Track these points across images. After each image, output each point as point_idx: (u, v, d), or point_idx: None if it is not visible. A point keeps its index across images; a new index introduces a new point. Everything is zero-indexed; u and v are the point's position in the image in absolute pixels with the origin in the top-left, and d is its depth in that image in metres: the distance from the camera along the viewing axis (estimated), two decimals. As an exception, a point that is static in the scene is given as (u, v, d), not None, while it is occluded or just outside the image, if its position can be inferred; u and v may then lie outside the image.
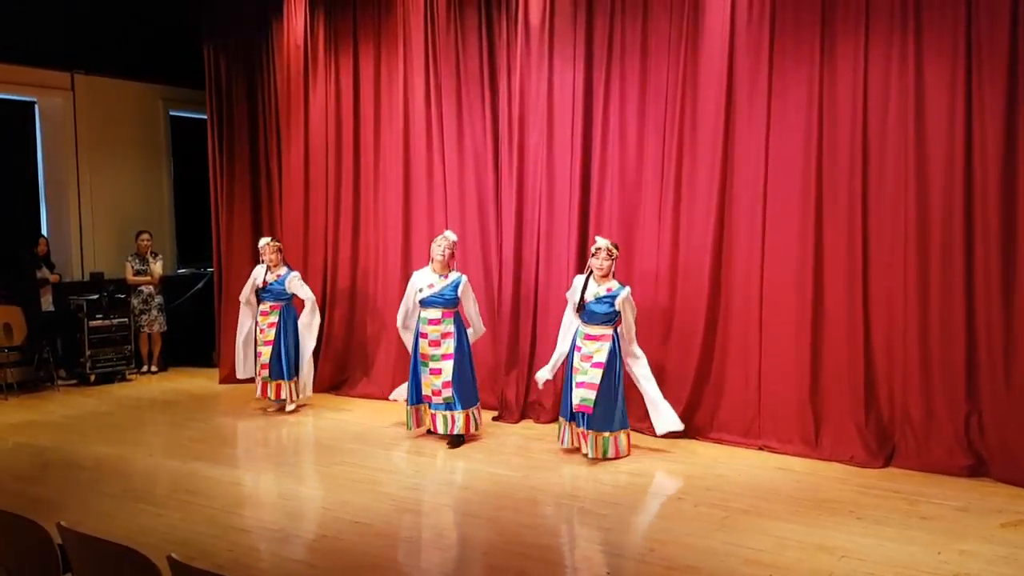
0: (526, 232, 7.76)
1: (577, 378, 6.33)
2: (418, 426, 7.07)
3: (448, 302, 6.90)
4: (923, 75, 6.05)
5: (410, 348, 7.13)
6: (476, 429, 7.00)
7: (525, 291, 7.76)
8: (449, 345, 6.87)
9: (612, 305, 6.27)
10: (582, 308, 6.29)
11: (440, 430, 6.90)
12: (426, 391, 6.92)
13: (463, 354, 6.94)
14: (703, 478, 5.90)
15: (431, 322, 6.89)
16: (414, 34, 8.42)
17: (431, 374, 6.88)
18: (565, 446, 6.50)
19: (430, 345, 6.89)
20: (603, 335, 6.30)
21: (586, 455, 6.28)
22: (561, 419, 6.58)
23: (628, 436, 6.40)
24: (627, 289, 6.34)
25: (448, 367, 6.85)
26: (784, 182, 6.57)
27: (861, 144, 6.27)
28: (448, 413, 6.86)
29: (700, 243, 6.90)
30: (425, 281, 6.94)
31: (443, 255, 6.90)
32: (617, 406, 6.28)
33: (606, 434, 6.25)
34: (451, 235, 7.09)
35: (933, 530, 4.89)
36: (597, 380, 6.22)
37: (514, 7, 7.73)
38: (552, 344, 7.59)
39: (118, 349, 9.91)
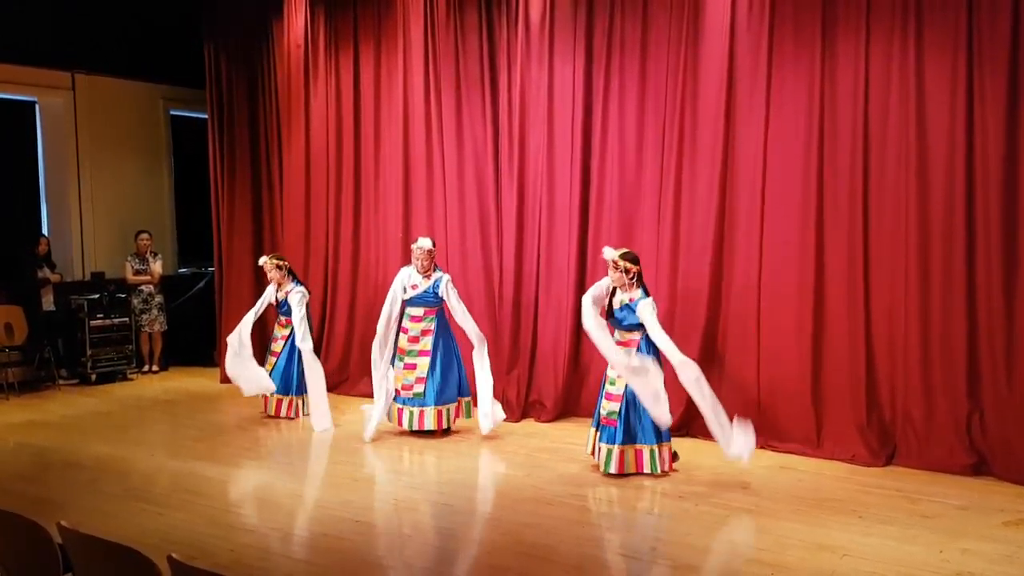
0: (527, 231, 7.76)
1: (607, 388, 6.00)
2: (400, 424, 7.12)
3: (430, 302, 7.03)
4: (924, 74, 6.04)
5: (378, 376, 6.96)
6: (449, 425, 7.03)
7: (526, 290, 7.76)
8: (427, 342, 7.00)
9: (635, 313, 5.90)
10: (610, 315, 5.99)
11: (405, 426, 6.99)
12: (396, 384, 6.98)
13: (445, 351, 7.00)
14: (704, 477, 5.88)
15: (413, 319, 7.04)
16: (414, 33, 8.42)
17: (405, 368, 6.97)
18: (595, 459, 6.01)
19: (409, 341, 7.02)
20: (630, 340, 5.93)
21: (600, 469, 5.90)
22: (591, 428, 6.12)
23: (659, 451, 5.85)
24: (645, 300, 5.82)
25: (423, 363, 6.95)
26: (784, 182, 6.56)
27: (862, 143, 6.26)
28: (415, 409, 6.94)
29: (700, 241, 6.90)
30: (410, 282, 7.06)
31: (422, 267, 7.02)
32: (645, 418, 5.81)
33: (635, 447, 5.84)
34: (424, 243, 7.09)
35: (935, 529, 4.88)
36: (622, 391, 5.86)
37: (514, 6, 7.72)
38: (553, 343, 7.62)
39: (119, 349, 9.91)
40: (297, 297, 7.73)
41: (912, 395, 6.13)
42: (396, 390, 6.99)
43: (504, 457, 6.52)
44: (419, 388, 6.94)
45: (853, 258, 6.32)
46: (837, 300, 6.40)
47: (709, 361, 6.88)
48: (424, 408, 6.95)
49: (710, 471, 6.02)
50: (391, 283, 8.24)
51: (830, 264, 6.42)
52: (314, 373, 7.47)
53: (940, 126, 5.99)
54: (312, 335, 7.97)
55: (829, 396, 6.43)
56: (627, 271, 5.87)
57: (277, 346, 8.02)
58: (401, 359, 7.02)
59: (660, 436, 5.87)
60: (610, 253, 5.96)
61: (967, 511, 5.18)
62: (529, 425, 7.49)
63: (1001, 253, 5.82)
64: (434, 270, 7.10)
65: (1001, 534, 4.82)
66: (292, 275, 7.93)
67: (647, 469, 5.86)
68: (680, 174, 6.98)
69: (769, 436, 6.56)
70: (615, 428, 5.85)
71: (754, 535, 4.80)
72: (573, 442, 6.80)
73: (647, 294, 5.92)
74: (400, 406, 7.03)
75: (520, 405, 7.67)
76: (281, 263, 7.93)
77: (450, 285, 7.05)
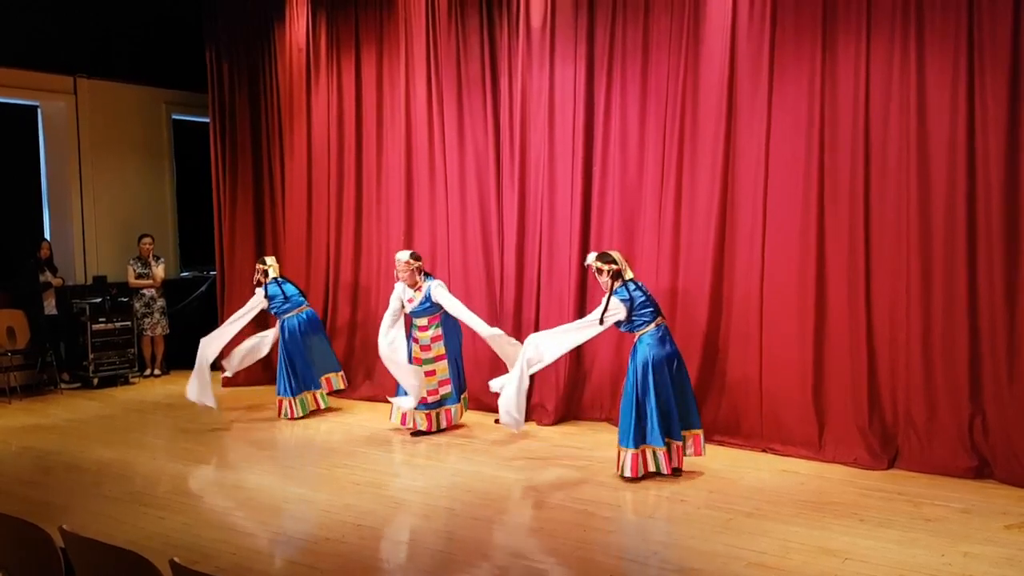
0: (528, 233, 7.77)
1: None
2: (404, 424, 7.30)
3: (430, 310, 7.19)
4: (925, 75, 6.03)
5: (393, 365, 7.09)
6: (465, 409, 7.45)
7: (528, 292, 7.77)
8: (440, 347, 7.22)
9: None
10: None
11: (432, 427, 7.19)
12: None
13: (453, 351, 7.29)
14: (706, 481, 5.88)
15: (420, 328, 7.23)
16: (416, 36, 8.43)
17: (425, 376, 7.08)
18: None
19: (422, 350, 7.17)
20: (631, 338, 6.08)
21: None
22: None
23: (640, 455, 5.78)
24: (613, 297, 5.90)
25: (442, 367, 7.19)
26: (785, 184, 6.55)
27: (863, 145, 6.25)
28: (442, 409, 7.21)
29: (701, 244, 6.89)
30: (406, 296, 7.24)
31: (408, 280, 7.17)
32: (630, 421, 5.80)
33: (622, 449, 5.87)
34: (400, 256, 7.25)
35: (937, 532, 4.87)
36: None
37: (515, 9, 7.74)
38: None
39: (121, 352, 9.93)
40: (255, 295, 8.08)
41: (914, 398, 6.12)
42: (422, 399, 7.12)
43: (506, 460, 6.52)
44: (445, 390, 7.20)
45: (854, 261, 6.31)
46: (838, 303, 6.39)
47: (711, 364, 6.89)
48: (451, 407, 7.26)
49: (711, 474, 6.01)
50: (392, 286, 8.31)
51: (831, 267, 6.42)
52: (201, 352, 7.76)
53: (941, 127, 5.98)
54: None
55: (831, 399, 6.43)
56: (599, 272, 5.99)
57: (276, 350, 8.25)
58: (419, 368, 7.13)
59: (632, 440, 5.81)
60: (589, 259, 6.09)
61: (969, 514, 5.17)
62: (531, 428, 7.48)
63: (1003, 255, 5.81)
64: (424, 278, 7.17)
65: (1003, 537, 4.81)
66: (267, 276, 8.14)
67: (625, 471, 5.84)
68: (681, 177, 6.98)
69: (771, 439, 6.57)
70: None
71: (756, 539, 4.79)
72: (575, 445, 6.81)
73: (623, 292, 5.90)
74: (426, 412, 7.16)
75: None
76: (258, 266, 8.25)
77: (441, 290, 7.12)
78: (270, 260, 8.29)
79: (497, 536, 5.08)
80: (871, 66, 6.21)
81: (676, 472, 5.93)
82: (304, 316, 8.17)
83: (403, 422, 7.27)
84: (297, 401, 7.98)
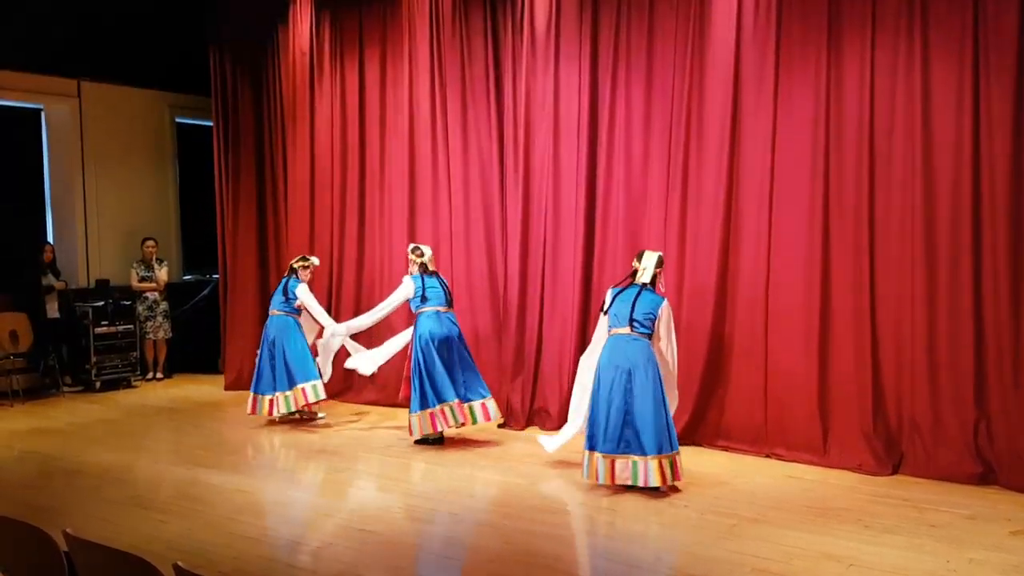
0: (532, 236, 7.75)
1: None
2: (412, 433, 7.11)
3: (410, 304, 7.14)
4: (930, 74, 6.02)
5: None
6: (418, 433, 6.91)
7: (531, 296, 7.74)
8: (413, 347, 7.02)
9: None
10: None
11: (436, 431, 6.99)
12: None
13: (416, 359, 6.91)
14: (710, 486, 5.86)
15: None
16: (419, 39, 8.43)
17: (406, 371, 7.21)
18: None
19: None
20: None
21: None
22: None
23: (600, 462, 5.67)
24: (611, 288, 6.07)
25: (407, 367, 7.11)
26: (791, 185, 6.54)
27: (868, 145, 6.24)
28: (438, 411, 6.88)
29: (706, 249, 6.88)
30: None
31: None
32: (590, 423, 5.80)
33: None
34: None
35: (942, 538, 4.85)
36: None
37: (519, 11, 7.73)
38: (558, 350, 7.60)
39: (123, 356, 9.92)
40: None
41: (919, 403, 6.10)
42: None
43: (509, 465, 6.50)
44: (407, 391, 7.09)
45: (859, 264, 6.30)
46: (843, 306, 6.37)
47: (715, 369, 6.87)
48: (442, 408, 6.95)
49: (715, 480, 5.99)
50: (395, 289, 8.36)
51: (836, 270, 6.41)
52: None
53: (946, 127, 5.97)
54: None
55: (836, 404, 6.41)
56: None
57: None
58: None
59: (592, 444, 5.74)
60: None
61: (974, 520, 5.15)
62: (534, 433, 7.46)
63: (1008, 259, 5.79)
64: (410, 275, 7.18)
65: (1009, 543, 4.79)
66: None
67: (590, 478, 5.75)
68: (687, 180, 6.97)
69: (775, 445, 6.55)
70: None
71: (760, 544, 4.78)
72: (578, 450, 6.77)
73: (615, 288, 5.96)
74: (428, 413, 7.01)
75: (525, 413, 7.65)
76: None
77: (400, 287, 7.18)
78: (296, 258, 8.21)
79: (501, 542, 5.06)
80: (876, 65, 6.20)
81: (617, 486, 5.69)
82: (271, 319, 7.90)
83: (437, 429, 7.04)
84: (257, 399, 7.78)
